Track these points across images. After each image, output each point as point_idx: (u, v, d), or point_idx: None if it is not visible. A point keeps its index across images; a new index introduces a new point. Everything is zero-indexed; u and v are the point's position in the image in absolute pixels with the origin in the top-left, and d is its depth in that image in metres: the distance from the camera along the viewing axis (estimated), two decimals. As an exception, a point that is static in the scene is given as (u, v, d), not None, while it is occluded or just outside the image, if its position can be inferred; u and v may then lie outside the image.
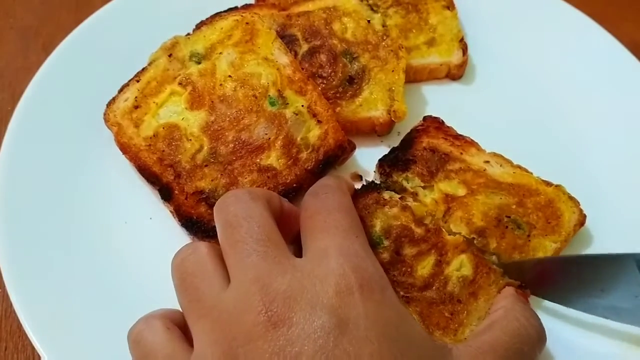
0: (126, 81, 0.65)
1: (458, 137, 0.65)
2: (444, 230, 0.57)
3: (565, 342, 0.57)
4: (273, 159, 0.60)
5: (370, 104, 0.66)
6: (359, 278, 0.44)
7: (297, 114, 0.62)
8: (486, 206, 0.59)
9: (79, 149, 0.65)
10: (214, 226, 0.49)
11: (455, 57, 0.72)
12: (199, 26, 0.69)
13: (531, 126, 0.71)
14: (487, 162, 0.63)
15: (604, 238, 0.63)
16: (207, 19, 0.69)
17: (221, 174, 0.60)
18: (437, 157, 0.62)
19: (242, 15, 0.66)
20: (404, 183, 0.61)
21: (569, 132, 0.71)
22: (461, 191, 0.60)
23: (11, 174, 0.61)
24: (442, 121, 0.66)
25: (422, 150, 0.63)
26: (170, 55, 0.65)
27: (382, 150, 0.67)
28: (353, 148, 0.63)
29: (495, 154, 0.64)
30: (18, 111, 0.65)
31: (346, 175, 0.65)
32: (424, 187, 0.61)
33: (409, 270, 0.55)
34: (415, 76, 0.72)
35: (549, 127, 0.71)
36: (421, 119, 0.66)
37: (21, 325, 0.53)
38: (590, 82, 0.74)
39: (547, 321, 0.54)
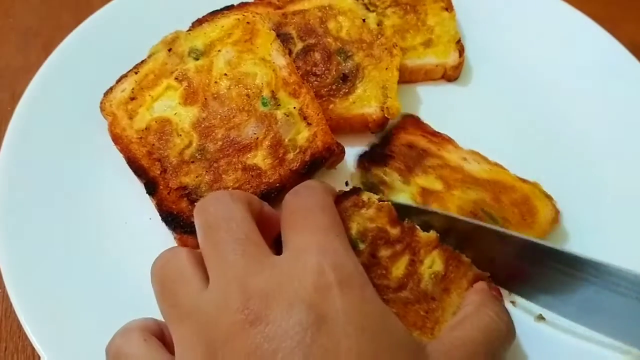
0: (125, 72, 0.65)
1: (435, 134, 0.66)
2: (417, 228, 0.57)
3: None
4: (259, 158, 0.61)
5: (363, 101, 0.66)
6: (337, 274, 0.43)
7: (287, 115, 0.62)
8: (462, 200, 0.60)
9: (79, 149, 0.65)
10: (193, 222, 0.49)
11: (452, 59, 0.72)
12: (195, 25, 0.69)
13: (529, 128, 0.71)
14: (464, 159, 0.64)
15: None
16: (203, 17, 0.70)
17: (206, 171, 0.60)
18: (415, 153, 0.64)
19: (243, 15, 0.67)
20: (383, 177, 0.62)
21: (569, 133, 0.70)
22: (438, 186, 0.61)
23: (11, 174, 0.62)
24: (420, 119, 0.67)
25: (400, 146, 0.64)
26: (169, 50, 0.66)
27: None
28: (342, 151, 0.63)
29: (472, 152, 0.65)
30: (18, 111, 0.65)
31: (342, 176, 0.65)
32: (402, 182, 0.62)
33: (384, 272, 0.54)
34: (411, 77, 0.72)
35: (548, 128, 0.71)
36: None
37: (21, 325, 0.53)
38: (590, 83, 0.73)
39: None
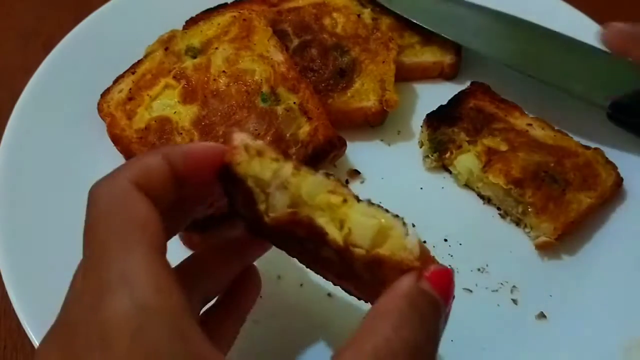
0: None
1: (503, 100, 0.69)
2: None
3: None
4: (261, 154, 0.61)
5: (361, 95, 0.67)
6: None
7: (288, 111, 0.62)
8: (525, 162, 0.62)
9: (78, 147, 0.65)
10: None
11: (449, 57, 0.73)
12: (189, 23, 0.70)
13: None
14: (530, 124, 0.67)
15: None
16: (197, 15, 0.70)
17: None
18: (483, 116, 0.67)
19: (239, 12, 0.68)
20: (451, 135, 0.65)
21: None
22: (503, 147, 0.64)
23: (10, 172, 0.62)
24: (489, 86, 0.69)
25: (468, 109, 0.67)
26: (166, 49, 0.66)
27: (380, 146, 0.68)
28: (343, 144, 0.64)
29: (537, 119, 0.67)
30: (17, 110, 0.65)
31: (342, 172, 0.65)
32: (469, 142, 0.64)
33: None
34: (408, 74, 0.72)
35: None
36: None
37: (20, 323, 0.53)
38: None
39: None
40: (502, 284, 0.59)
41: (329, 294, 0.57)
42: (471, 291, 0.59)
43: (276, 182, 0.37)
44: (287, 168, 0.37)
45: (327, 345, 0.55)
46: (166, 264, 0.34)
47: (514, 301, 0.58)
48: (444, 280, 0.36)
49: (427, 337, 0.34)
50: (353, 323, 0.55)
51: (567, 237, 0.61)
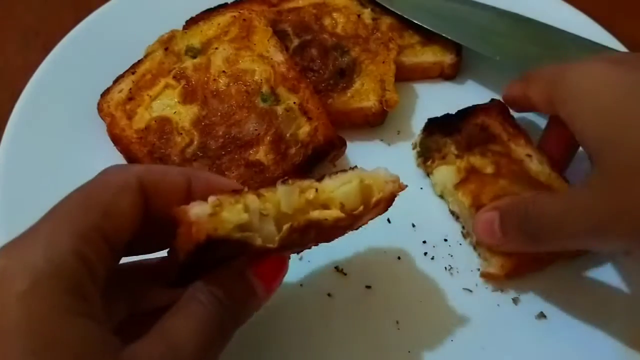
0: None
1: (514, 125, 0.65)
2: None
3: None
4: (261, 154, 0.61)
5: (361, 95, 0.67)
6: None
7: (288, 110, 0.63)
8: (502, 191, 0.59)
9: (78, 147, 0.65)
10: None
11: (449, 57, 0.73)
12: (189, 23, 0.70)
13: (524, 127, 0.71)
14: (529, 155, 0.62)
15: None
16: (197, 15, 0.70)
17: (209, 168, 0.60)
18: (484, 134, 0.64)
19: (239, 12, 0.68)
20: (440, 145, 0.63)
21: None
22: (489, 169, 0.61)
23: (10, 172, 0.62)
24: (508, 108, 0.66)
25: (472, 124, 0.64)
26: (166, 49, 0.66)
27: (381, 146, 0.68)
28: (343, 144, 0.64)
29: (540, 152, 0.63)
30: (17, 110, 0.65)
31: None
32: (455, 155, 0.62)
33: None
34: (408, 74, 0.72)
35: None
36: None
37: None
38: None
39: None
40: (502, 284, 0.59)
41: (329, 294, 0.57)
42: (471, 291, 0.59)
43: (255, 217, 0.38)
44: (251, 199, 0.38)
45: (327, 345, 0.55)
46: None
47: (514, 301, 0.58)
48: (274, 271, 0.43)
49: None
50: (353, 323, 0.55)
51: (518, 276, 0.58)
